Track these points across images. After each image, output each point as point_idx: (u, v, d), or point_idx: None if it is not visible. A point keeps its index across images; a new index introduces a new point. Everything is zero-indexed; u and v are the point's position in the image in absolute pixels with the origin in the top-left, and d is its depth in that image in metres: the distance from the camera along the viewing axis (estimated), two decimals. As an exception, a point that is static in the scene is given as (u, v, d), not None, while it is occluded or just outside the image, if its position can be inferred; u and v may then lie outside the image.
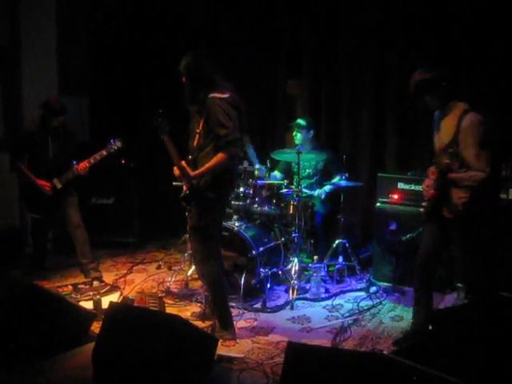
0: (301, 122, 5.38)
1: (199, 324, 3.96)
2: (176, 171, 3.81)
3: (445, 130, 3.55)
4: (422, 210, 3.67)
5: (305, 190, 5.11)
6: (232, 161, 3.72)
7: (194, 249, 3.99)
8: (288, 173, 5.51)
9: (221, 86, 3.72)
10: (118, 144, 4.89)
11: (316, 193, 5.27)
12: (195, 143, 3.77)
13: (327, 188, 5.31)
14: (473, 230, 3.56)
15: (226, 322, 3.86)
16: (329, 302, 4.58)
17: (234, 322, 3.99)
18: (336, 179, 5.23)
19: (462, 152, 3.40)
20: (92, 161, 4.82)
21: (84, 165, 4.79)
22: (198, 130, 3.75)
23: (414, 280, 3.85)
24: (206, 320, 4.04)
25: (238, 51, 6.14)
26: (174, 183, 5.02)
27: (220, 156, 3.64)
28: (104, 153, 4.85)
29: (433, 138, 3.69)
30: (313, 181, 5.42)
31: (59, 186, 4.84)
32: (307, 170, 5.44)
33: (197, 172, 3.72)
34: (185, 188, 3.81)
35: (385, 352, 3.54)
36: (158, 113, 3.69)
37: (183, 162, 3.75)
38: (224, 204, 4.01)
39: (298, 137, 5.35)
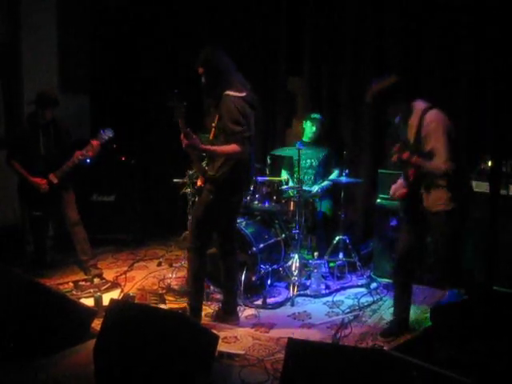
0: (317, 116, 5.40)
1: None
2: (184, 140, 3.69)
3: (410, 131, 3.52)
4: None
5: (304, 188, 5.07)
6: (242, 155, 3.71)
7: (189, 237, 4.03)
8: (292, 168, 5.45)
9: (239, 84, 3.74)
10: (109, 133, 4.84)
11: (314, 190, 5.24)
12: (211, 136, 3.83)
13: (324, 184, 5.29)
14: (456, 224, 3.58)
15: (195, 313, 3.92)
16: (329, 299, 4.58)
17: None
18: (334, 175, 5.25)
19: (426, 148, 3.41)
20: (85, 152, 4.75)
21: (78, 154, 4.72)
22: (213, 124, 3.80)
23: (393, 277, 3.91)
24: (219, 320, 4.08)
25: (237, 48, 6.12)
26: (175, 180, 5.04)
27: (234, 146, 3.66)
28: (94, 143, 4.78)
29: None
30: (315, 171, 5.39)
31: (55, 180, 4.81)
32: (309, 161, 5.38)
33: (209, 147, 3.74)
34: (199, 183, 3.88)
35: (385, 348, 3.55)
36: (174, 94, 3.65)
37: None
38: (234, 204, 3.97)
39: (314, 129, 5.31)
